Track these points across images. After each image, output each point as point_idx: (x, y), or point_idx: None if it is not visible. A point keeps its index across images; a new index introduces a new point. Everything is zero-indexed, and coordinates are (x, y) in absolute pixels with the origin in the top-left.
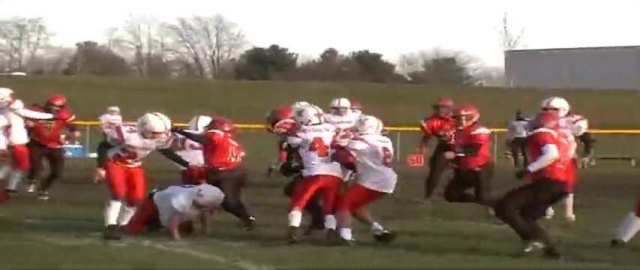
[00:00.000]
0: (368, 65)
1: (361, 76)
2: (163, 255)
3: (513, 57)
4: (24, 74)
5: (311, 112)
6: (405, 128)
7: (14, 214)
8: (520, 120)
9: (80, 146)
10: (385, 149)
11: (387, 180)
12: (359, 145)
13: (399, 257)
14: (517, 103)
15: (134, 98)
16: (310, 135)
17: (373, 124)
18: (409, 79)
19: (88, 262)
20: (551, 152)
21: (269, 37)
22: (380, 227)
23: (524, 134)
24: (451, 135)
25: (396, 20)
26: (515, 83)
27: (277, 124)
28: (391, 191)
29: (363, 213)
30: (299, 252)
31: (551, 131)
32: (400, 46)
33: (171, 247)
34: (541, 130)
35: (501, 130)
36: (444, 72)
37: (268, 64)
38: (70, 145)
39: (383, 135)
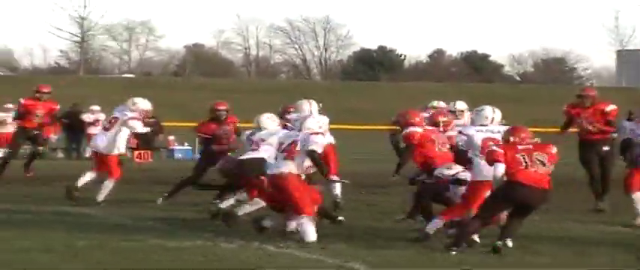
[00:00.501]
0: (476, 65)
1: (469, 76)
2: (272, 257)
3: (625, 56)
4: (133, 76)
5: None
6: None
7: (127, 216)
8: (630, 121)
9: (189, 148)
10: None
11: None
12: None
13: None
14: (628, 103)
15: (242, 100)
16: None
17: (488, 114)
18: (518, 79)
19: (196, 264)
20: None
21: (376, 38)
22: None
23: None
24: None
25: (505, 20)
26: (627, 83)
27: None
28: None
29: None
30: (408, 254)
31: None
32: (509, 45)
33: (281, 248)
34: None
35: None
36: (554, 72)
37: (376, 65)
38: (179, 147)
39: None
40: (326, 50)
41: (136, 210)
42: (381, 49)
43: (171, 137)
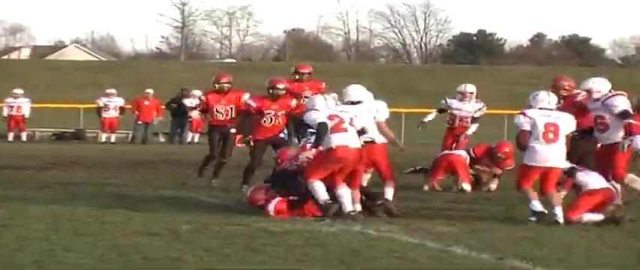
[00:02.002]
0: (577, 49)
1: (570, 60)
2: (373, 240)
3: None
4: (234, 61)
5: None
6: None
7: (231, 199)
8: None
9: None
10: (548, 124)
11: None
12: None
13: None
14: None
15: (343, 84)
16: None
17: (544, 97)
18: (620, 62)
19: (298, 248)
20: None
21: (476, 22)
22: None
23: None
24: None
25: (606, 3)
26: None
27: None
28: (550, 165)
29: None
30: (512, 237)
31: None
32: (610, 29)
33: (382, 232)
34: None
35: None
36: None
37: (476, 49)
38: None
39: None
40: (426, 34)
41: (240, 194)
42: (481, 33)
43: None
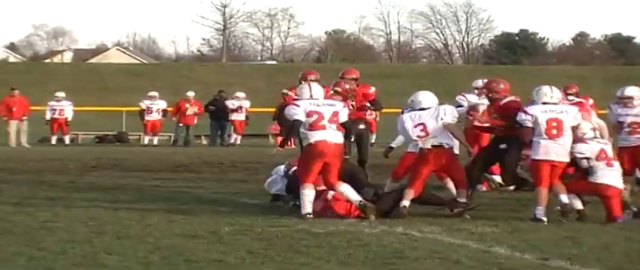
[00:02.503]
0: (620, 48)
1: (613, 59)
2: (416, 241)
3: None
4: (275, 63)
5: None
6: None
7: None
8: None
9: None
10: (550, 120)
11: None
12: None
13: None
14: None
15: (385, 85)
16: None
17: (546, 92)
18: None
19: (340, 248)
20: None
21: (518, 21)
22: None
23: None
24: None
25: None
26: None
27: None
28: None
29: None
30: (554, 237)
31: None
32: None
33: (425, 233)
34: None
35: None
36: None
37: (518, 49)
38: None
39: None
40: (468, 34)
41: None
42: (523, 32)
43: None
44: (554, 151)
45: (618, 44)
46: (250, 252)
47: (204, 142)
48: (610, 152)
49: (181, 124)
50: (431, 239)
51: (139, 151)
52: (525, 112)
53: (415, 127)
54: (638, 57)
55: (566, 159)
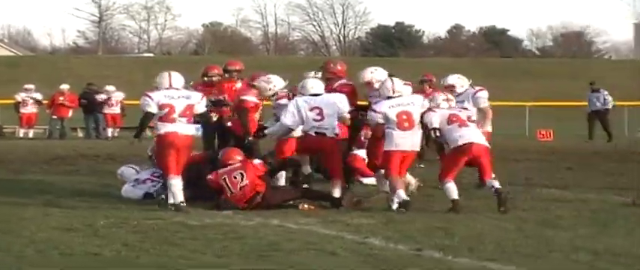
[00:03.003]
0: (495, 40)
1: (488, 51)
2: (291, 233)
3: None
4: (152, 55)
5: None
6: (532, 103)
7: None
8: (595, 92)
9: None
10: (401, 113)
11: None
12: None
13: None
14: None
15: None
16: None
17: (388, 86)
18: (537, 53)
19: (216, 241)
20: None
21: (394, 14)
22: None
23: (598, 106)
24: None
25: None
26: None
27: None
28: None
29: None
30: (428, 228)
31: None
32: (527, 20)
33: (301, 225)
34: None
35: (632, 103)
36: (572, 46)
37: (394, 41)
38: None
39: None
40: (344, 27)
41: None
42: (399, 25)
43: None
44: (406, 142)
45: (493, 36)
46: (126, 245)
47: (81, 134)
48: (463, 116)
49: (56, 117)
50: (306, 231)
51: (14, 145)
52: (374, 111)
53: (311, 110)
54: (512, 49)
55: (417, 148)
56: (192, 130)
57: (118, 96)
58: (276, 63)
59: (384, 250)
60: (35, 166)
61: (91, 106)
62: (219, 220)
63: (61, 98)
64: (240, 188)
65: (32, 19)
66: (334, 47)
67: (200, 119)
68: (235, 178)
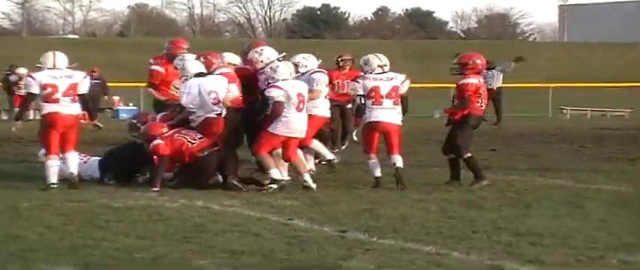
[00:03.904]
0: (420, 22)
1: (413, 33)
2: (216, 215)
3: (567, 11)
4: (77, 37)
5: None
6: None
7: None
8: (490, 69)
9: (135, 108)
10: (299, 94)
11: (295, 124)
12: (275, 92)
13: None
14: (571, 58)
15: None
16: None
17: (285, 70)
18: (462, 35)
19: (140, 223)
20: None
21: None
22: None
23: (495, 85)
24: None
25: None
26: (569, 38)
27: None
28: (300, 135)
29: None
30: (352, 209)
31: None
32: (452, 2)
33: (226, 207)
34: None
35: (557, 84)
36: (497, 28)
37: (320, 23)
38: (124, 107)
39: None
40: (270, 9)
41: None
42: (325, 7)
43: (117, 98)
44: (292, 126)
45: (418, 18)
46: (49, 227)
47: (5, 117)
48: (382, 91)
49: None
50: (231, 212)
51: None
52: (276, 88)
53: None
54: (437, 31)
55: (302, 135)
56: (77, 109)
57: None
58: (203, 44)
59: (309, 232)
60: None
61: (10, 89)
62: (143, 202)
63: None
64: (200, 138)
65: None
66: (260, 29)
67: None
68: (188, 132)
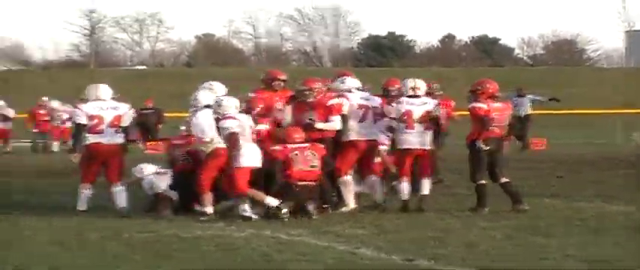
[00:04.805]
0: (486, 49)
1: (480, 60)
2: (283, 244)
3: (633, 36)
4: (145, 67)
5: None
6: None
7: (139, 208)
8: (521, 96)
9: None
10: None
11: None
12: (229, 123)
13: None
14: (638, 83)
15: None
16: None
17: (230, 103)
18: (529, 62)
19: (208, 253)
20: None
21: (386, 24)
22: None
23: (523, 112)
24: None
25: (514, 3)
26: (636, 63)
27: None
28: (257, 165)
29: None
30: (420, 238)
31: None
32: (519, 29)
33: (293, 236)
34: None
35: (624, 111)
36: (564, 54)
37: (386, 51)
38: None
39: None
40: (336, 38)
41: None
42: (391, 34)
43: (183, 128)
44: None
45: (484, 46)
46: (116, 257)
47: (56, 149)
48: (415, 116)
49: (36, 131)
50: (298, 242)
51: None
52: (232, 118)
53: None
54: (503, 58)
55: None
56: (120, 139)
57: (9, 112)
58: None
59: (376, 260)
60: (28, 179)
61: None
62: (211, 232)
63: (42, 111)
64: (311, 167)
65: (24, 33)
66: (326, 58)
67: None
68: (307, 156)
